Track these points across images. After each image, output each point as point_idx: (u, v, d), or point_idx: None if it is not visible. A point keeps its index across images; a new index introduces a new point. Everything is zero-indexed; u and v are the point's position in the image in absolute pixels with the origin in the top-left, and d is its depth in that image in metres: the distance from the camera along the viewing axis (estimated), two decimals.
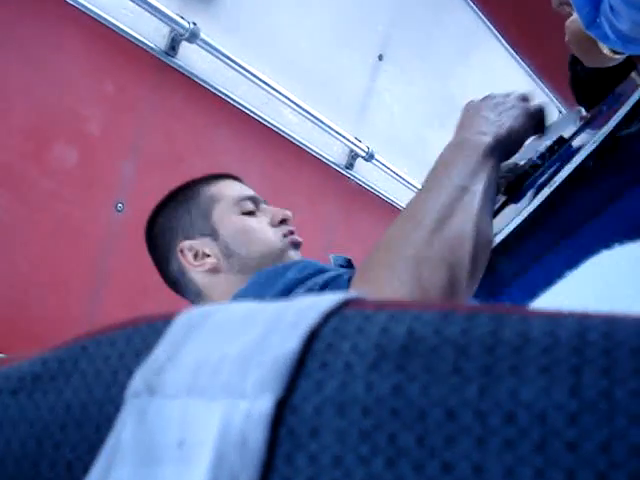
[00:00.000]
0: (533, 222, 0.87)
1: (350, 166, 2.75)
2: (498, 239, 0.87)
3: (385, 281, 0.72)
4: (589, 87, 1.13)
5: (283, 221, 1.22)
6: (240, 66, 2.10)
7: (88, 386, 0.25)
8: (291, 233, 1.21)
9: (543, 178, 0.92)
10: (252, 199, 1.23)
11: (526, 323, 0.20)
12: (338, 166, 2.69)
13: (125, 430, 0.22)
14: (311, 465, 0.19)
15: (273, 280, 0.95)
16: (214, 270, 1.15)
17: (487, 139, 0.83)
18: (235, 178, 1.32)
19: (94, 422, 0.24)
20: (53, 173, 1.77)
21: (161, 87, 2.02)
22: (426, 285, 0.71)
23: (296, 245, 1.20)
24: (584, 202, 0.85)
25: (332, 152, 2.64)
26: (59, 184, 1.78)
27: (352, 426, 0.19)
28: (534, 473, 0.17)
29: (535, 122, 0.90)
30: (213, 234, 1.17)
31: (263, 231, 1.17)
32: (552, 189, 0.85)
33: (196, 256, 1.17)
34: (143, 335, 0.25)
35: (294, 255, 1.18)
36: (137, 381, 0.23)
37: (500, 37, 3.11)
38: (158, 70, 1.99)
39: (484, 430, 0.18)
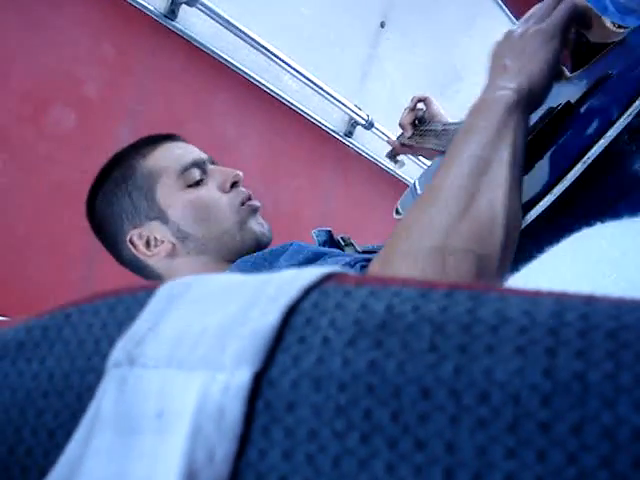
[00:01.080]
0: (560, 202, 0.76)
1: (349, 134, 2.74)
2: (527, 219, 0.76)
3: (406, 274, 0.65)
4: (587, 56, 1.12)
5: (235, 184, 1.11)
6: (240, 30, 2.08)
7: (71, 355, 0.25)
8: (248, 199, 1.10)
9: (553, 148, 0.83)
10: (196, 164, 1.11)
11: (504, 302, 0.20)
12: (337, 134, 2.68)
13: (105, 399, 0.22)
14: (287, 438, 0.19)
15: (262, 270, 0.91)
16: (171, 255, 1.07)
17: (507, 95, 0.74)
18: (172, 138, 1.20)
19: (76, 391, 0.24)
20: (50, 136, 1.76)
21: (160, 51, 2.00)
22: (452, 279, 0.63)
23: (255, 211, 1.10)
24: (618, 179, 0.80)
25: (331, 119, 2.62)
26: (56, 147, 1.77)
27: (328, 401, 0.19)
28: (506, 452, 0.17)
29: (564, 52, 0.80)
30: (161, 217, 1.07)
31: (216, 204, 1.07)
32: (586, 166, 0.74)
33: (148, 244, 1.08)
34: (126, 305, 0.25)
35: (255, 224, 1.08)
36: (118, 351, 0.23)
37: (504, 6, 3.08)
38: (157, 33, 1.97)
39: (458, 409, 0.18)
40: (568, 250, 0.40)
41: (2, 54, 1.65)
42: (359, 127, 2.73)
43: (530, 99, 0.75)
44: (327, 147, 2.65)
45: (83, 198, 1.84)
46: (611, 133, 0.71)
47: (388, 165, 2.95)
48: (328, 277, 0.23)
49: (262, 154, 2.32)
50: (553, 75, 0.78)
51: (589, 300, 0.19)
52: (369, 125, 2.71)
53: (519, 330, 0.19)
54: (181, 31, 2.01)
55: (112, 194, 1.13)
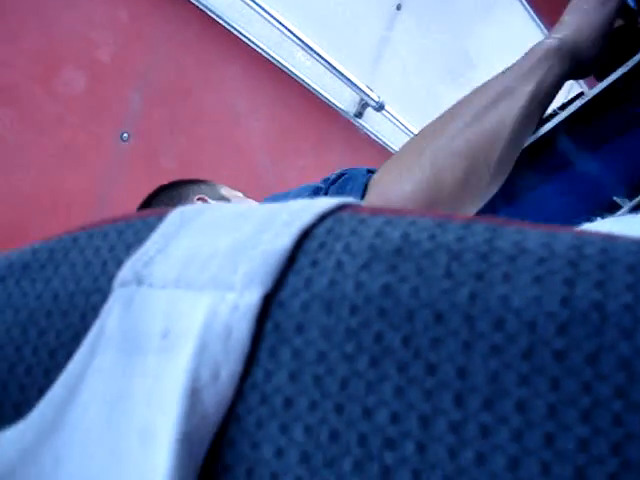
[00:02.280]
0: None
1: (359, 115, 2.72)
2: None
3: (406, 165, 0.70)
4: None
5: None
6: (256, 3, 2.07)
7: (77, 276, 0.25)
8: None
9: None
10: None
11: (522, 234, 0.19)
12: (347, 114, 2.67)
13: (110, 318, 0.22)
14: (295, 360, 0.19)
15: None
16: None
17: (550, 42, 0.76)
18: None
19: (80, 311, 0.24)
20: (60, 97, 1.75)
21: (174, 19, 1.99)
22: (441, 174, 0.68)
23: None
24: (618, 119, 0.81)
25: (342, 99, 2.61)
26: (65, 109, 1.76)
27: (339, 323, 0.19)
28: (518, 379, 0.17)
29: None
30: None
31: None
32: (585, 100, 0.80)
33: None
34: (135, 229, 0.25)
35: None
36: (125, 271, 0.23)
37: None
38: (173, 1, 1.96)
39: (471, 334, 0.18)
40: None
41: (16, 12, 1.64)
42: (369, 109, 2.72)
43: (575, 51, 0.77)
44: (336, 127, 2.64)
45: (89, 160, 1.84)
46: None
47: (397, 148, 2.93)
48: (344, 206, 0.23)
49: (270, 129, 2.32)
50: (603, 35, 0.80)
51: (608, 237, 0.19)
52: (380, 107, 2.69)
53: (537, 260, 0.18)
54: (196, 0, 2.00)
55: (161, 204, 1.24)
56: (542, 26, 3.19)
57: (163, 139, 2.01)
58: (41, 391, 0.24)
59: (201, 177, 2.10)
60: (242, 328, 0.20)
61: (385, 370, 0.18)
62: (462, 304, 0.18)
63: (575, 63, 0.78)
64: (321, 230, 0.21)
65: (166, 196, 1.30)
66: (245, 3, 2.06)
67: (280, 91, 2.32)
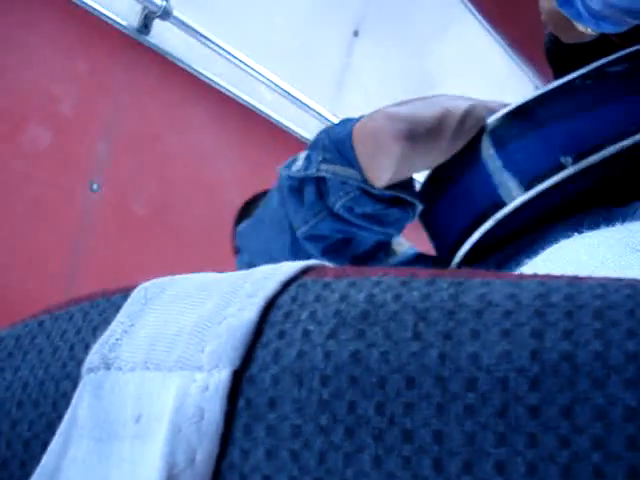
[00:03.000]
0: None
1: None
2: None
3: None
4: (566, 55, 1.12)
5: None
6: (214, 43, 2.08)
7: (45, 362, 0.24)
8: None
9: None
10: None
11: (487, 286, 0.19)
12: None
13: (82, 406, 0.22)
14: (270, 436, 0.19)
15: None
16: None
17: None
18: None
19: (51, 399, 0.23)
20: (26, 155, 1.74)
21: (135, 66, 1.99)
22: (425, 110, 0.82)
23: None
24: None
25: (309, 129, 2.62)
26: (33, 165, 1.75)
27: (311, 396, 0.19)
28: (496, 439, 0.17)
29: None
30: None
31: None
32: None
33: None
34: (100, 309, 0.24)
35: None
36: (93, 355, 0.22)
37: (476, 12, 3.10)
38: (131, 48, 1.96)
39: (444, 397, 0.17)
40: (547, 262, 0.39)
41: None
42: None
43: None
44: None
45: (61, 214, 1.83)
46: None
47: None
48: (306, 270, 0.22)
49: (239, 165, 2.32)
50: None
51: (573, 280, 0.19)
52: None
53: (504, 314, 0.18)
54: (155, 45, 2.00)
55: None
56: (499, 39, 3.24)
57: (133, 186, 2.00)
58: None
59: (175, 221, 2.09)
60: (214, 408, 0.19)
61: (362, 440, 0.18)
62: (432, 366, 0.18)
63: None
64: (285, 298, 0.21)
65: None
66: (203, 44, 2.07)
67: (246, 126, 2.33)
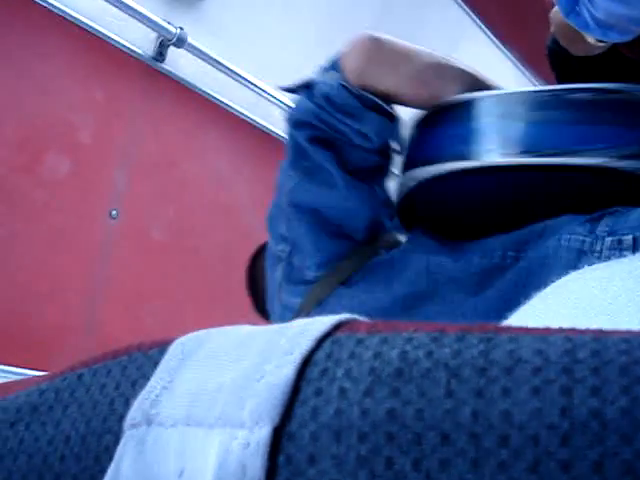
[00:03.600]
0: None
1: None
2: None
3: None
4: (568, 58, 1.13)
5: None
6: (228, 69, 2.10)
7: (86, 416, 0.25)
8: None
9: None
10: None
11: (516, 342, 0.20)
12: None
13: (124, 460, 0.22)
14: None
15: None
16: None
17: None
18: None
19: (93, 453, 0.24)
20: (46, 184, 1.77)
21: (151, 93, 2.01)
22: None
23: None
24: None
25: None
26: (52, 194, 1.77)
27: (349, 452, 0.19)
28: None
29: None
30: None
31: None
32: None
33: None
34: (138, 364, 0.25)
35: None
36: (134, 411, 0.23)
37: (485, 28, 3.11)
38: (147, 76, 1.99)
39: (478, 453, 0.18)
40: (557, 295, 0.40)
41: None
42: None
43: None
44: None
45: (81, 241, 1.85)
46: None
47: None
48: (339, 325, 0.23)
49: (256, 189, 2.33)
50: None
51: (599, 335, 0.20)
52: None
53: (533, 370, 0.19)
54: (170, 72, 2.02)
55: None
56: (510, 55, 3.24)
57: (151, 211, 2.02)
58: None
59: (194, 244, 2.10)
60: (256, 464, 0.20)
61: None
62: (466, 423, 0.18)
63: None
64: (320, 355, 0.22)
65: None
66: (218, 70, 2.09)
67: (261, 150, 2.34)
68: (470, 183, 0.91)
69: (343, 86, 0.94)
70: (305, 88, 0.99)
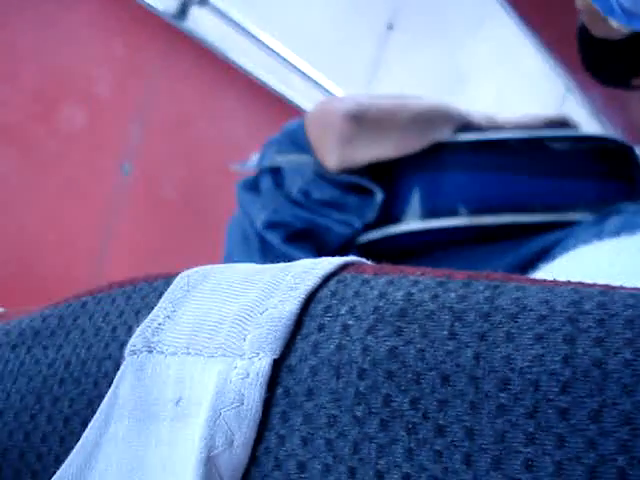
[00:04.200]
0: None
1: None
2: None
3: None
4: (600, 50, 1.12)
5: None
6: (249, 32, 2.08)
7: (87, 342, 0.25)
8: None
9: None
10: None
11: (522, 291, 0.20)
12: None
13: (123, 386, 0.23)
14: (306, 424, 0.20)
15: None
16: None
17: None
18: None
19: (92, 378, 0.24)
20: (60, 134, 1.76)
21: (170, 51, 2.00)
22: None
23: None
24: None
25: None
26: (66, 145, 1.77)
27: (348, 387, 0.19)
28: (525, 438, 0.17)
29: None
30: None
31: None
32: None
33: None
34: (143, 294, 0.25)
35: None
36: (136, 338, 0.23)
37: (509, 9, 3.08)
38: (167, 34, 1.97)
39: (478, 395, 0.18)
40: (565, 268, 0.40)
41: (14, 52, 1.66)
42: None
43: None
44: None
45: (92, 194, 1.85)
46: None
47: None
48: (346, 266, 0.23)
49: None
50: None
51: (606, 289, 0.19)
52: None
53: (538, 318, 0.19)
54: (191, 32, 2.01)
55: None
56: (532, 38, 3.21)
57: (164, 170, 2.02)
58: (58, 459, 0.24)
59: (203, 206, 2.10)
60: (254, 395, 0.20)
61: (395, 432, 0.18)
62: (467, 365, 0.18)
63: None
64: (325, 293, 0.22)
65: None
66: (239, 32, 2.07)
67: (278, 116, 2.33)
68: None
69: (320, 175, 0.84)
70: (270, 172, 0.88)
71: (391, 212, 0.88)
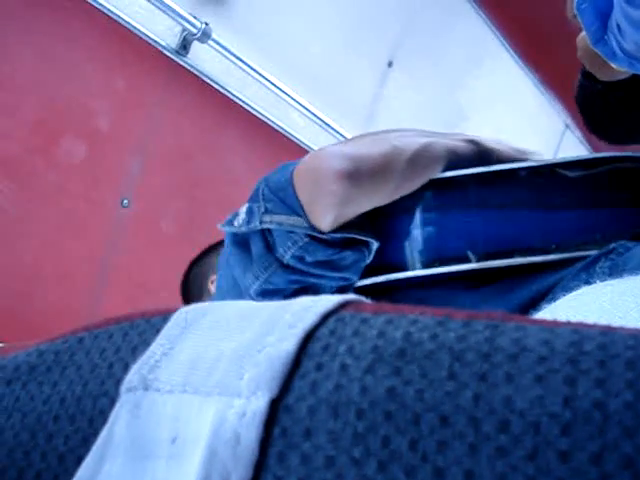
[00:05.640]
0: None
1: None
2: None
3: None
4: (599, 106, 1.12)
5: None
6: (250, 67, 2.10)
7: (83, 379, 0.25)
8: None
9: None
10: None
11: (522, 331, 0.20)
12: None
13: (118, 424, 0.22)
14: (303, 465, 0.19)
15: None
16: None
17: None
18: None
19: (88, 415, 0.24)
20: (60, 167, 1.77)
21: (171, 86, 2.02)
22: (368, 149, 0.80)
23: None
24: None
25: None
26: (66, 178, 1.78)
27: (346, 428, 0.19)
28: None
29: None
30: None
31: None
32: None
33: None
34: (140, 330, 0.25)
35: None
36: (132, 375, 0.23)
37: (509, 47, 3.11)
38: (169, 69, 1.99)
39: (477, 437, 0.18)
40: (567, 309, 0.39)
41: (15, 84, 1.67)
42: None
43: None
44: None
45: (91, 227, 1.85)
46: None
47: None
48: (345, 304, 0.23)
49: None
50: None
51: (607, 330, 0.19)
52: None
53: (538, 359, 0.19)
54: (192, 67, 2.03)
55: (206, 257, 1.37)
56: (531, 75, 3.24)
57: (163, 204, 2.02)
58: None
59: (202, 240, 2.10)
60: (250, 434, 0.20)
61: (393, 475, 0.18)
62: (467, 406, 0.18)
63: None
64: (324, 331, 0.21)
65: (195, 275, 1.36)
66: (240, 68, 2.09)
67: (277, 151, 2.35)
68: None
69: (313, 238, 0.79)
70: (260, 233, 0.83)
71: (390, 256, 0.86)
